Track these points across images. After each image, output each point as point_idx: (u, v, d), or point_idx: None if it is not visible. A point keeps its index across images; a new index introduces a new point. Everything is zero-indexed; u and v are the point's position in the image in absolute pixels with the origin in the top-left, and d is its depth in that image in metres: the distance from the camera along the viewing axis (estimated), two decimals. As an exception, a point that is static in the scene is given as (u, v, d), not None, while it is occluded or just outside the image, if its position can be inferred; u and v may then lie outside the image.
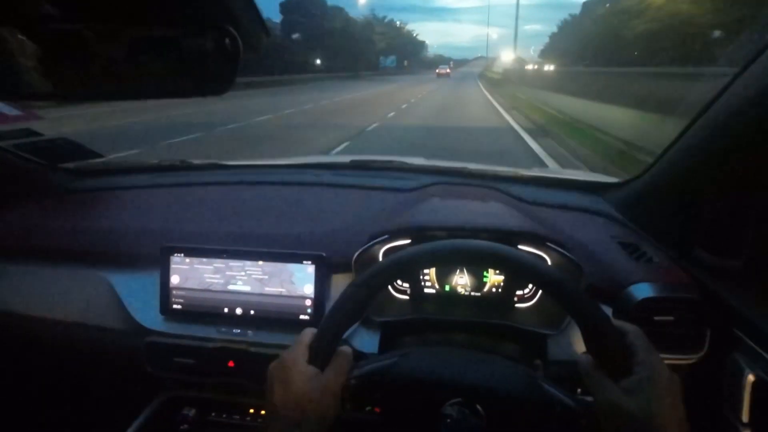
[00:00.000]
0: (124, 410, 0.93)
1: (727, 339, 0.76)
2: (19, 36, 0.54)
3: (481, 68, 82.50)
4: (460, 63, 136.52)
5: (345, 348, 0.60)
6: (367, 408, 0.66)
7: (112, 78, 0.58)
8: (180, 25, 0.57)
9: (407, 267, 0.62)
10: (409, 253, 0.60)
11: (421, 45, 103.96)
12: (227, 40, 0.54)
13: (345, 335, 0.84)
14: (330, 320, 0.58)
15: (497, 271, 0.96)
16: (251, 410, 0.92)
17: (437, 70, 52.22)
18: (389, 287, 0.99)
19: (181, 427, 0.92)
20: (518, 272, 0.59)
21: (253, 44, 0.59)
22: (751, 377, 0.68)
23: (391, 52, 68.37)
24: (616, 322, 0.55)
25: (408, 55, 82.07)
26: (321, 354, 0.57)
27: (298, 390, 0.53)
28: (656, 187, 0.98)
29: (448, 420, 0.59)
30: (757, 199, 0.79)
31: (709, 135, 0.80)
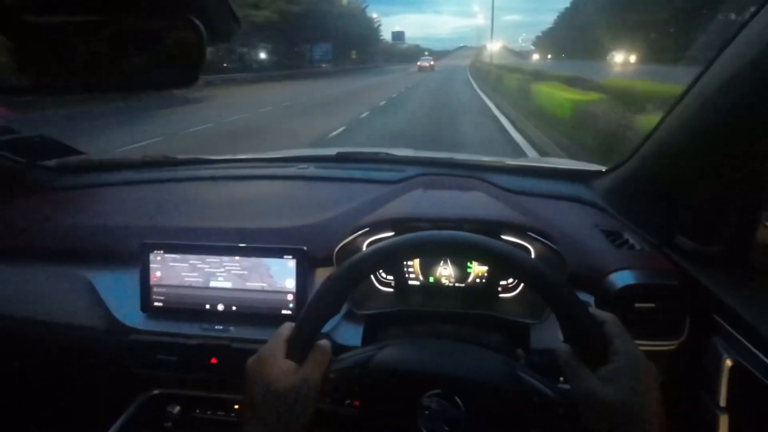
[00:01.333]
0: (108, 409, 0.92)
1: (706, 325, 0.76)
2: None
3: (468, 60, 71.27)
4: (440, 55, 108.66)
5: (323, 342, 0.59)
6: (347, 401, 0.66)
7: (83, 72, 0.57)
8: (149, 17, 0.55)
9: (385, 258, 0.61)
10: (387, 245, 0.60)
11: (376, 31, 69.00)
12: (193, 31, 0.53)
13: (328, 329, 0.84)
14: (307, 314, 0.58)
15: (490, 267, 0.96)
16: (235, 406, 0.92)
17: (419, 63, 44.60)
18: (373, 279, 0.98)
19: (166, 425, 0.92)
20: (495, 262, 0.59)
21: (223, 33, 0.57)
22: (728, 362, 0.69)
23: (326, 39, 37.77)
24: (594, 311, 0.55)
25: (357, 44, 54.84)
26: (299, 348, 0.56)
27: (275, 385, 0.53)
28: (639, 174, 0.98)
29: (427, 411, 0.58)
30: (737, 187, 0.79)
31: (687, 122, 0.80)
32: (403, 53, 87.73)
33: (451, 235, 0.59)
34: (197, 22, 0.52)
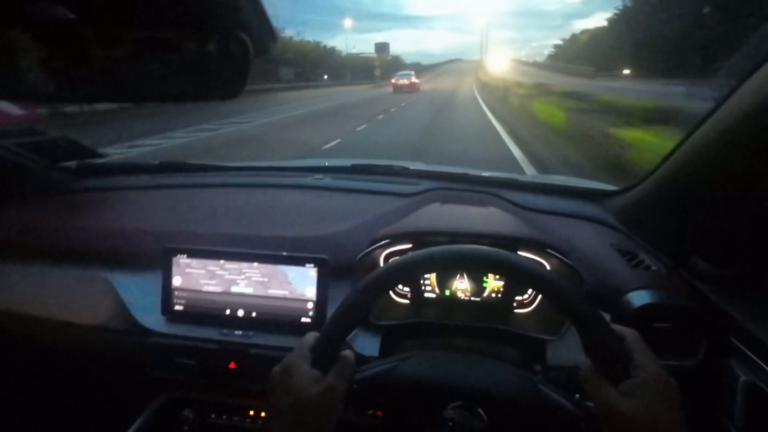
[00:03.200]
0: (125, 411, 0.93)
1: (722, 346, 0.77)
2: (21, 36, 0.55)
3: (466, 77, 49.11)
4: (425, 69, 78.41)
5: (347, 352, 0.60)
6: (369, 411, 0.67)
7: (117, 80, 0.59)
8: (190, 29, 0.57)
9: (409, 272, 0.62)
10: (410, 258, 0.61)
11: (319, 47, 49.16)
12: (236, 45, 0.55)
13: (346, 339, 0.85)
14: (332, 324, 0.59)
15: (497, 277, 0.97)
16: (251, 412, 0.93)
17: (393, 81, 28.75)
18: (390, 292, 1.00)
19: (182, 429, 0.92)
20: (518, 277, 0.60)
21: (261, 49, 0.60)
22: (745, 383, 0.70)
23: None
24: (615, 327, 0.56)
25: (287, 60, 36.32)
26: (323, 358, 0.57)
27: (300, 394, 0.54)
28: (654, 195, 0.99)
29: (450, 423, 0.59)
30: (753, 209, 0.81)
31: (706, 145, 0.82)
32: (368, 67, 57.92)
33: (476, 250, 0.60)
34: (244, 36, 0.54)
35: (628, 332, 0.56)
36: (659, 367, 0.52)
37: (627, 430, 0.49)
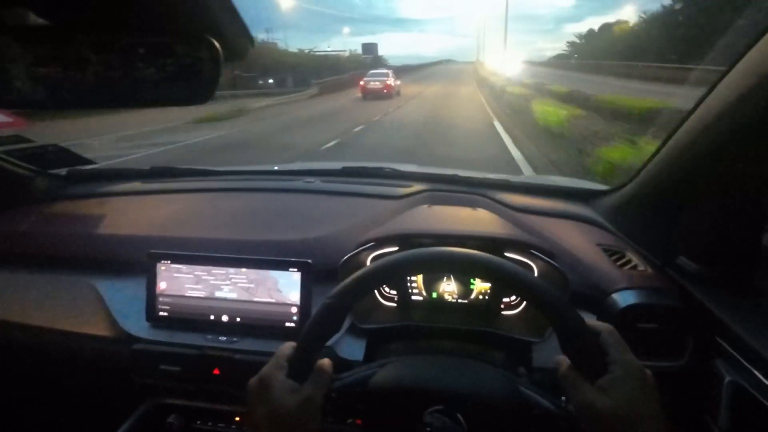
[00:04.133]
0: (109, 417, 0.92)
1: (708, 346, 0.76)
2: (12, 44, 0.55)
3: (467, 84, 31.08)
4: (411, 71, 51.58)
5: (324, 361, 0.59)
6: (349, 420, 0.66)
7: (102, 86, 0.59)
8: (167, 35, 0.57)
9: (385, 276, 0.61)
10: (386, 262, 0.60)
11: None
12: (210, 50, 0.55)
13: (331, 343, 0.85)
14: (308, 334, 0.58)
15: (485, 280, 0.97)
16: (237, 418, 0.92)
17: (362, 83, 20.67)
18: (376, 294, 0.99)
19: None
20: (492, 277, 0.59)
21: (238, 52, 0.59)
22: (730, 384, 0.69)
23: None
24: (589, 322, 0.55)
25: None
26: (300, 368, 0.57)
27: (277, 405, 0.53)
28: (641, 195, 0.98)
29: (428, 429, 0.59)
30: (740, 208, 0.80)
31: (691, 144, 0.81)
32: (339, 67, 40.81)
33: (448, 252, 0.59)
34: (213, 40, 0.54)
35: (604, 327, 0.55)
36: (634, 360, 0.51)
37: (605, 425, 0.48)
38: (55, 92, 0.58)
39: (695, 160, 0.81)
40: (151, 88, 0.59)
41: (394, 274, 0.61)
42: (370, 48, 75.70)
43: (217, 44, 0.55)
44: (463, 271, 0.63)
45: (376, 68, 28.37)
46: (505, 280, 0.58)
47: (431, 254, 0.60)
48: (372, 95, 19.31)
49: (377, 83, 19.83)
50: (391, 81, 20.16)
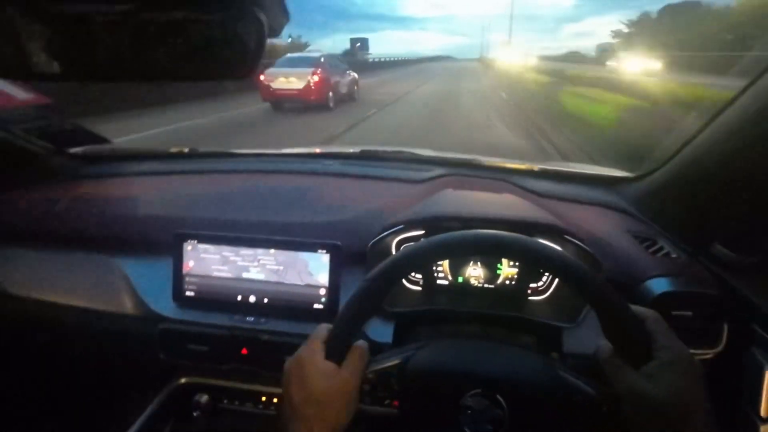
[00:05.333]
0: (138, 396, 0.93)
1: (745, 334, 0.75)
2: (28, 16, 0.53)
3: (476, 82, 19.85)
4: (398, 64, 42.21)
5: (361, 342, 0.59)
6: (386, 401, 0.65)
7: (134, 59, 0.57)
8: (211, 9, 0.56)
9: (423, 259, 0.60)
10: (424, 245, 0.59)
11: None
12: (250, 24, 0.53)
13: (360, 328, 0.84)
14: (345, 315, 0.57)
15: (511, 263, 0.96)
16: (263, 398, 0.93)
17: (263, 79, 9.35)
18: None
19: (194, 414, 0.92)
20: (534, 261, 0.58)
21: (274, 28, 0.58)
22: None
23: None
24: (635, 308, 0.54)
25: None
26: (337, 350, 0.56)
27: (315, 387, 0.53)
28: (673, 181, 0.97)
29: (469, 411, 0.58)
30: None
31: (728, 131, 0.79)
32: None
33: (492, 234, 0.58)
34: (260, 14, 0.52)
35: (649, 313, 0.54)
36: (683, 347, 0.51)
37: (652, 412, 0.48)
38: (73, 65, 0.57)
39: (732, 148, 0.79)
40: (196, 61, 0.57)
41: (437, 256, 0.60)
42: (359, 43, 56.23)
43: (263, 17, 0.53)
44: (510, 253, 0.62)
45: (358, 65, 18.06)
46: (547, 264, 0.57)
47: (475, 236, 0.59)
48: (287, 102, 10.11)
49: (293, 81, 9.80)
50: (323, 76, 10.04)
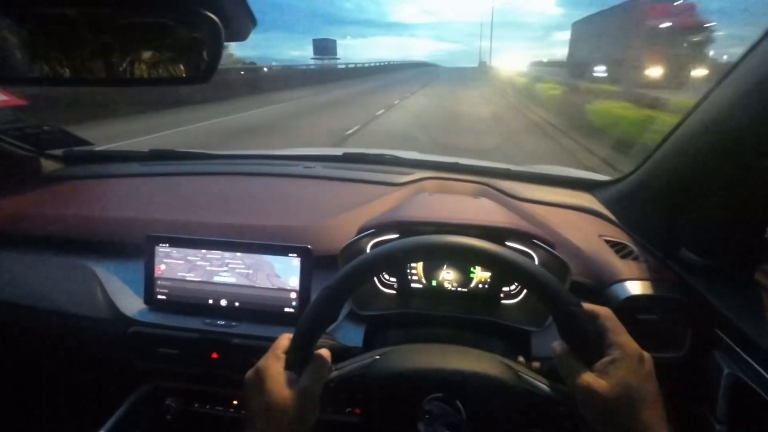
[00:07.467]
0: (107, 399, 0.93)
1: (708, 338, 0.76)
2: (8, 20, 0.53)
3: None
4: (357, 72, 30.88)
5: (322, 351, 0.59)
6: (347, 409, 0.66)
7: (98, 64, 0.57)
8: (166, 13, 0.56)
9: (383, 264, 0.60)
10: (384, 250, 0.59)
11: None
12: (210, 28, 0.53)
13: (330, 329, 0.85)
14: (305, 324, 0.57)
15: (483, 268, 0.96)
16: (234, 401, 0.92)
17: None
18: (376, 281, 0.99)
19: (165, 418, 0.92)
20: (489, 264, 0.58)
21: (239, 32, 0.58)
22: (728, 376, 0.69)
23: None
24: (586, 306, 0.54)
25: None
26: (297, 359, 0.56)
27: (274, 397, 0.53)
28: (644, 186, 0.98)
29: (428, 416, 0.59)
30: (743, 202, 0.79)
31: (696, 136, 0.80)
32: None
33: (447, 240, 0.59)
34: (215, 19, 0.52)
35: (601, 310, 0.54)
36: (631, 342, 0.51)
37: (603, 409, 0.48)
38: (52, 70, 0.57)
39: (700, 152, 0.80)
40: (150, 66, 0.58)
41: (394, 261, 0.60)
42: (323, 47, 46.45)
43: (218, 21, 0.53)
44: (463, 258, 0.62)
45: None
46: (502, 267, 0.57)
47: (431, 242, 0.59)
48: None
49: None
50: None
